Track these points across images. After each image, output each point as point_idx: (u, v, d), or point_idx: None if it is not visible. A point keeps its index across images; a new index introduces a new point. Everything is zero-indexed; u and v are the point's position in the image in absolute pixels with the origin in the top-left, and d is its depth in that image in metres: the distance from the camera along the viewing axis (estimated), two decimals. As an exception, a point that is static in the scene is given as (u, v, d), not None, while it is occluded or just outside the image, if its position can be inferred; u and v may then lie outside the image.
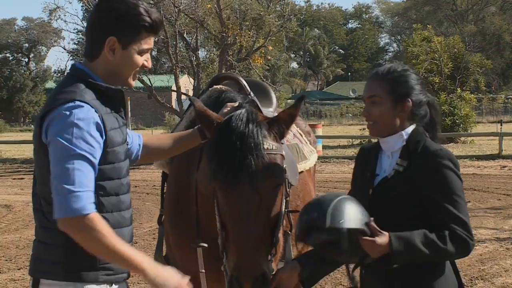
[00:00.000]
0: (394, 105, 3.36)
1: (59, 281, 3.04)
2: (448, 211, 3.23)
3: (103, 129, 3.03)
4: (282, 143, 3.74)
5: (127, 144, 3.31)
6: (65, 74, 3.23)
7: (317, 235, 3.17)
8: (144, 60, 3.21)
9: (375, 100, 3.37)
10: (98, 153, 2.99)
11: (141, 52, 3.18)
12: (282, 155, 3.53)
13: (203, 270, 3.88)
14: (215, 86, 4.35)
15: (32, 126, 62.18)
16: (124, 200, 3.20)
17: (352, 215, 3.15)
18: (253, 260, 3.34)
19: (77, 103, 2.98)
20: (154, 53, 78.99)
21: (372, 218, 3.20)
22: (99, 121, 3.01)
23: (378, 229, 3.18)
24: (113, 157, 3.10)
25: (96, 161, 2.98)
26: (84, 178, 2.92)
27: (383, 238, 3.17)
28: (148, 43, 3.20)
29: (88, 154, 2.94)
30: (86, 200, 2.90)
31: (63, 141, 2.93)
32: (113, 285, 3.14)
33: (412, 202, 3.28)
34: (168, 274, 3.07)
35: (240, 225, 3.36)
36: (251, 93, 4.27)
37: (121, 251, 2.92)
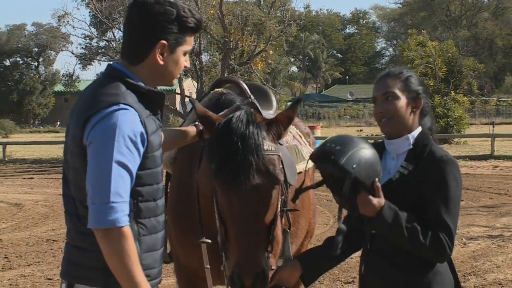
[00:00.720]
0: (408, 102, 3.36)
1: (96, 287, 2.94)
2: (438, 216, 3.21)
3: (145, 134, 2.90)
4: (281, 144, 3.73)
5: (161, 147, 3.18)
6: (100, 74, 3.09)
7: (329, 165, 3.22)
8: (185, 60, 3.12)
9: (391, 95, 3.35)
10: (137, 160, 2.86)
11: (185, 54, 3.09)
12: (279, 156, 3.53)
13: (208, 266, 3.86)
14: (216, 89, 4.34)
15: (42, 127, 61.79)
16: (160, 204, 3.09)
17: (366, 166, 3.18)
18: (254, 257, 3.33)
19: (122, 106, 2.84)
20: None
21: (377, 179, 3.21)
22: (142, 127, 2.88)
23: (380, 192, 3.19)
24: (151, 162, 2.97)
25: (134, 170, 2.85)
26: (120, 188, 2.78)
27: (379, 201, 3.18)
28: (191, 43, 3.12)
29: (128, 161, 2.81)
30: (121, 212, 2.77)
31: (103, 146, 2.79)
32: None
33: (415, 205, 3.25)
34: None
35: (241, 224, 3.34)
36: (251, 96, 4.27)
37: (134, 276, 2.81)
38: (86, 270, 2.95)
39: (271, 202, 3.46)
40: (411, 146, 3.35)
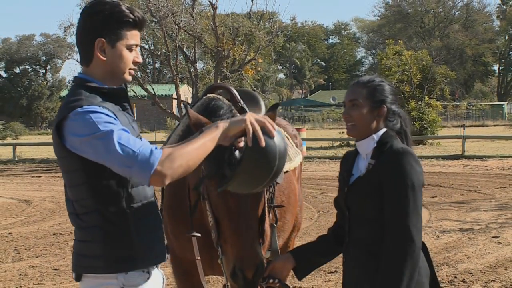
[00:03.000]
0: (371, 109, 3.34)
1: (100, 273, 2.96)
2: (392, 212, 3.16)
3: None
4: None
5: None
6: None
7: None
8: (134, 56, 3.07)
9: (356, 103, 3.34)
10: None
11: (129, 48, 3.05)
12: None
13: (199, 257, 3.86)
14: (209, 95, 4.32)
15: (49, 130, 61.91)
16: (148, 188, 3.08)
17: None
18: (253, 251, 3.33)
19: (85, 107, 2.84)
20: (157, 65, 78.96)
21: None
22: (112, 115, 2.88)
23: None
24: None
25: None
26: (131, 140, 2.77)
27: None
28: (135, 38, 3.06)
29: (117, 126, 2.80)
30: (147, 150, 2.74)
31: (94, 135, 2.77)
32: (150, 270, 3.06)
33: (379, 196, 3.22)
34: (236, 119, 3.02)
35: (238, 221, 3.34)
36: (241, 101, 4.26)
37: (204, 143, 2.87)
38: (90, 260, 2.98)
39: (262, 199, 3.47)
40: (376, 145, 3.35)
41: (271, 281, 3.44)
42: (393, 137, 3.36)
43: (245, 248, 3.31)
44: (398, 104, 3.47)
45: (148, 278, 3.05)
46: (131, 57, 3.06)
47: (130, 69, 3.08)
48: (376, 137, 3.35)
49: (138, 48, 3.13)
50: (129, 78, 3.11)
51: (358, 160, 3.44)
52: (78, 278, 3.04)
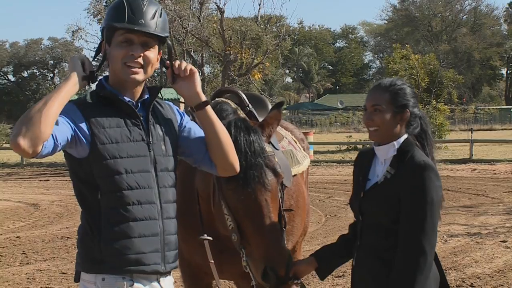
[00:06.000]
0: (394, 114, 3.31)
1: (85, 272, 2.99)
2: (408, 226, 3.16)
3: (85, 122, 2.93)
4: (277, 149, 3.73)
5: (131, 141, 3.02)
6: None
7: None
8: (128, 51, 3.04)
9: (378, 108, 3.31)
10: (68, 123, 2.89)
11: (120, 46, 3.07)
12: (274, 155, 3.57)
13: (213, 261, 3.84)
14: (216, 99, 4.33)
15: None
16: (130, 194, 2.95)
17: None
18: (281, 249, 3.35)
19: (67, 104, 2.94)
20: (164, 69, 78.63)
21: None
22: (79, 114, 2.94)
23: None
24: (105, 154, 2.93)
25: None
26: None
27: None
28: (121, 36, 3.06)
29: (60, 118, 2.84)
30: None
31: None
32: (134, 280, 2.97)
33: (396, 207, 3.21)
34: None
35: (262, 220, 3.35)
36: (250, 105, 4.26)
37: (51, 98, 2.82)
38: (77, 256, 3.06)
39: (277, 197, 3.51)
40: (396, 152, 3.32)
41: (294, 281, 3.46)
42: (414, 146, 3.33)
43: (272, 247, 3.32)
44: (419, 108, 3.45)
45: (132, 285, 2.97)
46: (118, 54, 3.07)
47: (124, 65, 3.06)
48: (397, 144, 3.32)
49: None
50: (134, 76, 3.06)
51: (376, 164, 3.41)
52: (77, 278, 3.06)
